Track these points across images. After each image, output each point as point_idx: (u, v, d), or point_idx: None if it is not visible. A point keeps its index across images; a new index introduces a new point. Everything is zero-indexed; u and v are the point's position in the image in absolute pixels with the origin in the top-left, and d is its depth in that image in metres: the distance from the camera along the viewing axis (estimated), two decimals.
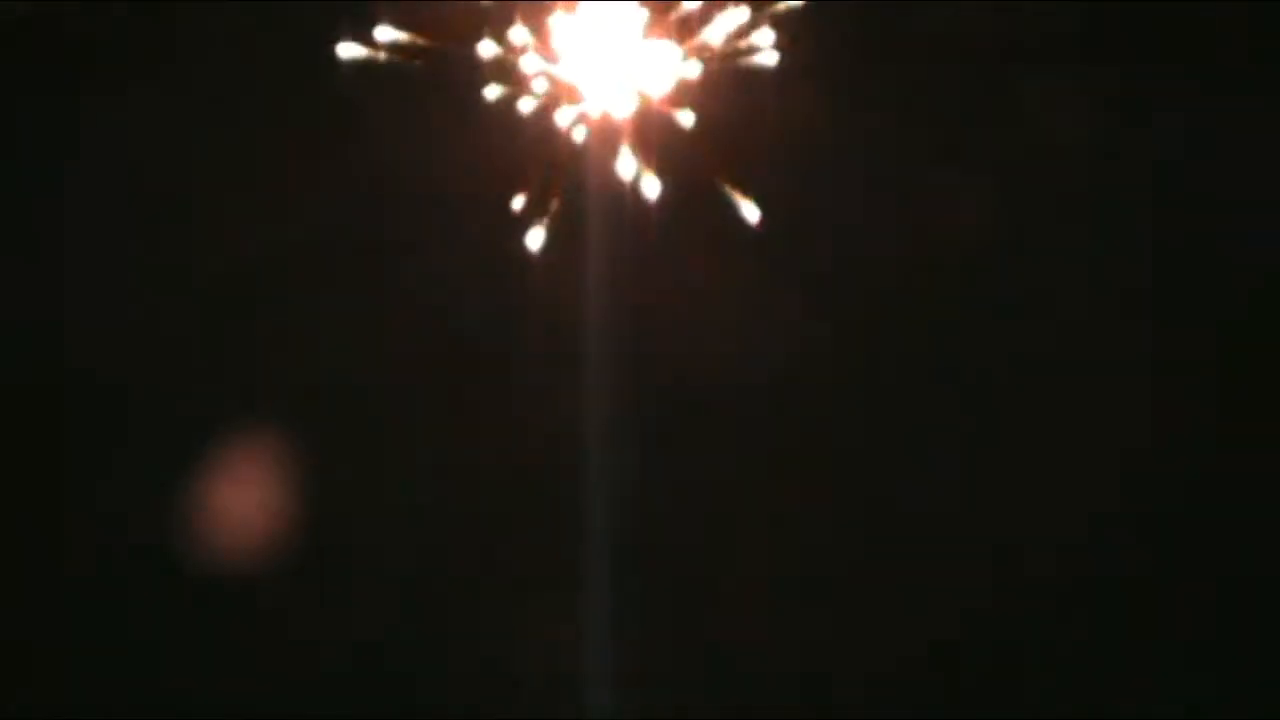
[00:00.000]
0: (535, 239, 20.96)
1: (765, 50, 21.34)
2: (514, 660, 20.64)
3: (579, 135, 21.58)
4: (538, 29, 21.17)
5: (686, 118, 21.49)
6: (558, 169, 21.16)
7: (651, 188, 21.01)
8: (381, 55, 20.79)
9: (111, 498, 20.87)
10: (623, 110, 21.45)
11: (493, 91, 21.08)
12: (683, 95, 21.27)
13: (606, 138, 21.22)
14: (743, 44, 21.06)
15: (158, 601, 20.68)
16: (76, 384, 21.08)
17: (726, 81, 21.10)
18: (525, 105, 21.62)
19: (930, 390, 21.65)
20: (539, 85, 21.48)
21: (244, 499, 20.63)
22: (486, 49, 21.20)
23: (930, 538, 21.15)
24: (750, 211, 21.00)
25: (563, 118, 21.61)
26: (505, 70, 21.16)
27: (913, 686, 20.47)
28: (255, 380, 21.32)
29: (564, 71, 21.41)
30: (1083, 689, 20.61)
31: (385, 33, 21.24)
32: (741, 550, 20.80)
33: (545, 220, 20.78)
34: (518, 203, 21.14)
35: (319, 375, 21.47)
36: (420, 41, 20.83)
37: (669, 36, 21.22)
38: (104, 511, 20.82)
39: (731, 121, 21.37)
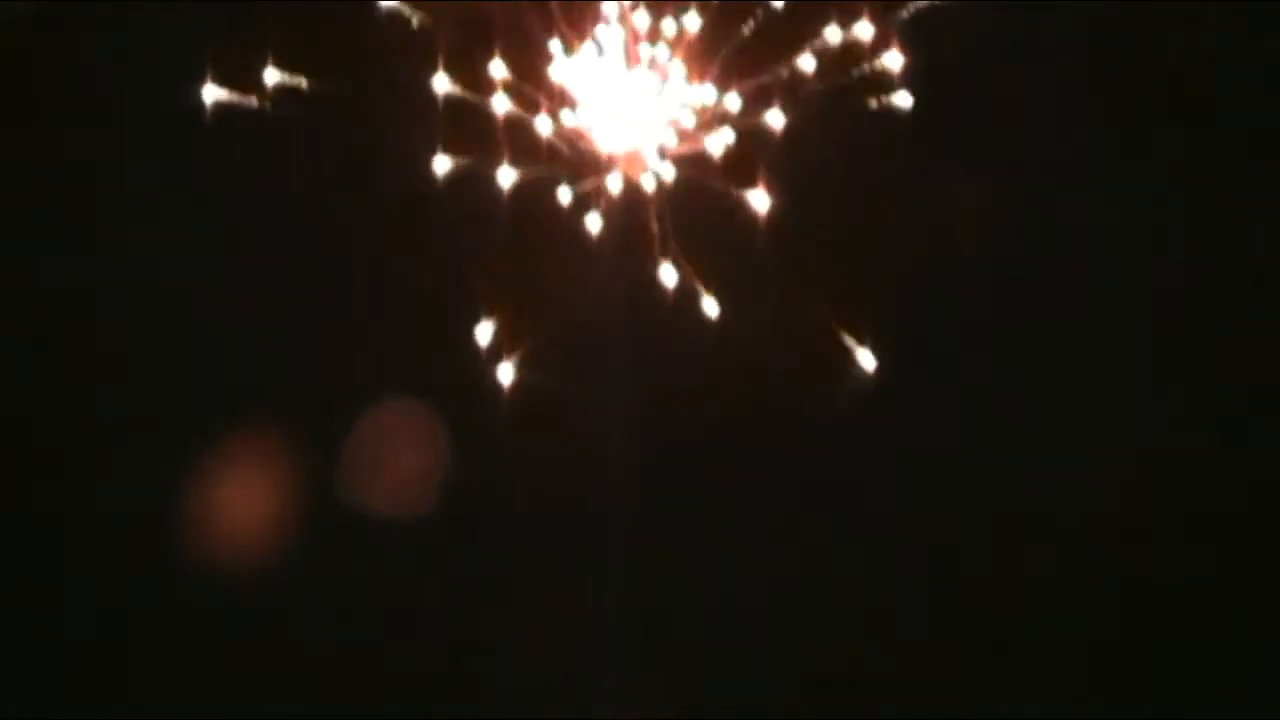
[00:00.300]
0: (505, 374, 18.04)
1: (897, 88, 16.94)
2: (514, 662, 20.32)
3: (592, 225, 17.07)
4: (525, 58, 17.08)
5: (760, 199, 16.88)
6: (552, 278, 17.71)
7: (710, 309, 17.51)
8: (255, 101, 18.05)
9: (111, 497, 20.79)
10: (658, 185, 17.14)
11: (442, 163, 17.24)
12: (755, 162, 17.08)
13: (633, 228, 17.30)
14: (862, 70, 16.85)
15: (157, 602, 20.57)
16: (73, 385, 20.99)
17: (830, 139, 17.16)
18: (504, 177, 17.12)
19: (930, 391, 20.73)
20: (526, 146, 17.12)
21: (243, 499, 20.49)
22: (440, 85, 17.20)
23: (931, 541, 20.72)
24: (868, 361, 18.39)
25: (563, 196, 17.45)
26: (470, 121, 17.38)
27: (913, 687, 20.32)
28: (254, 383, 20.79)
29: (568, 125, 17.14)
30: (1083, 689, 20.73)
31: (271, 74, 18.13)
32: (741, 555, 20.66)
33: (519, 353, 17.93)
34: (484, 332, 17.98)
35: (318, 378, 20.56)
36: (304, 84, 17.80)
37: (733, 70, 17.01)
38: (104, 511, 20.79)
39: (841, 204, 17.47)
